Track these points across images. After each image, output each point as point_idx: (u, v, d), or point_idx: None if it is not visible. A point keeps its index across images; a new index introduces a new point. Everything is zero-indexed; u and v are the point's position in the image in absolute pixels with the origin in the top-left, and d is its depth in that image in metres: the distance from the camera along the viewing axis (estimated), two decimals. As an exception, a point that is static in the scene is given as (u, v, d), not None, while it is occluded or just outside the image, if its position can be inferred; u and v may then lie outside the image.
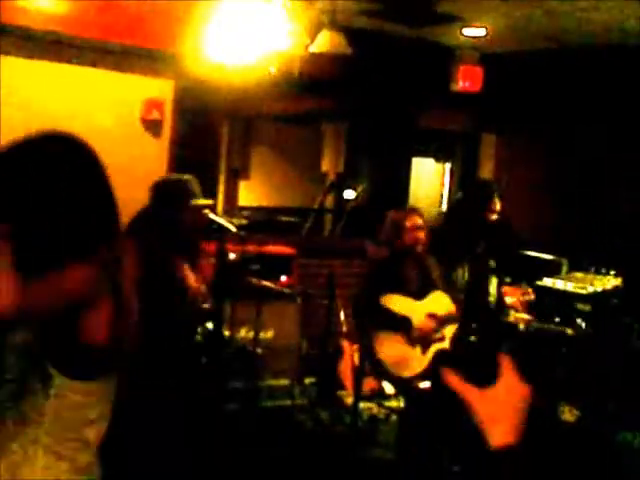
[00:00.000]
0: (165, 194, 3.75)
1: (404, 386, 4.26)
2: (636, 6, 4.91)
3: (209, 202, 3.90)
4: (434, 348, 4.20)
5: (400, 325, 4.16)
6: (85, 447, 1.74)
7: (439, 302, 4.27)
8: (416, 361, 4.19)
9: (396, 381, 4.28)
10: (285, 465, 4.36)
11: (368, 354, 4.21)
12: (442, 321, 4.23)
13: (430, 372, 4.18)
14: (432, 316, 4.21)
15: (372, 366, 4.27)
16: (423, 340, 4.19)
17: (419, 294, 4.27)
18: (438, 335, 4.21)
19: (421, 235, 4.31)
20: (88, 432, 1.74)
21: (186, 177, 3.81)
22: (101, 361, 1.72)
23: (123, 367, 1.82)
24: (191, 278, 3.76)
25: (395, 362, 4.17)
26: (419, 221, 4.33)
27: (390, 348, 4.19)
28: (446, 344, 4.20)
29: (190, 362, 4.09)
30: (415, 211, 4.48)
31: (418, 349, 4.20)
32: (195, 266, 3.83)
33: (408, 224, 4.32)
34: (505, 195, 5.42)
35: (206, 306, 3.92)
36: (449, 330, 4.23)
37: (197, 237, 3.94)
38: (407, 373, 4.19)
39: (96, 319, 1.68)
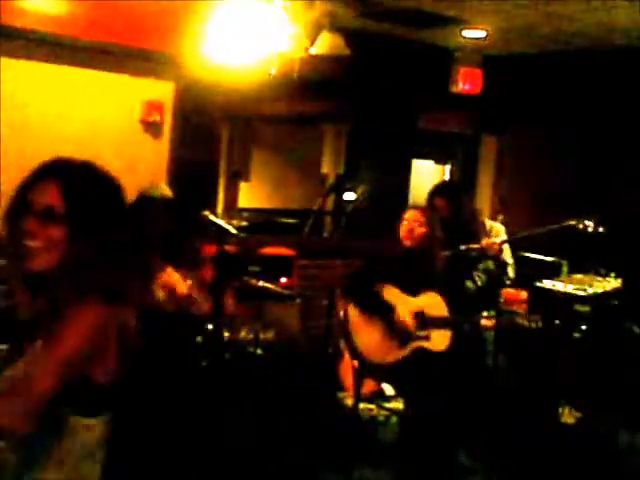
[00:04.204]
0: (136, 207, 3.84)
1: (371, 368, 4.28)
2: (637, 7, 4.92)
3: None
4: (415, 344, 4.19)
5: (381, 310, 4.17)
6: None
7: (432, 302, 4.26)
8: (391, 351, 4.19)
9: (365, 363, 4.27)
10: (285, 467, 4.36)
11: (344, 333, 4.23)
12: (428, 321, 4.21)
13: (403, 366, 4.18)
14: (419, 314, 4.20)
15: (346, 345, 4.30)
16: (404, 334, 4.19)
17: (413, 290, 4.27)
18: (423, 333, 4.19)
19: (409, 230, 4.34)
20: (90, 468, 1.74)
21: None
22: (111, 397, 1.73)
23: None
24: (181, 285, 3.76)
25: (368, 346, 4.19)
26: (413, 216, 4.36)
27: (368, 332, 4.21)
28: (429, 344, 4.18)
29: (190, 364, 4.09)
30: (417, 207, 4.57)
31: (396, 341, 4.20)
32: (191, 272, 3.82)
33: (404, 217, 4.40)
34: (505, 204, 5.49)
35: (199, 311, 3.88)
36: (437, 332, 4.21)
37: (191, 243, 3.94)
38: (378, 359, 4.20)
39: (106, 359, 1.67)
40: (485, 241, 4.71)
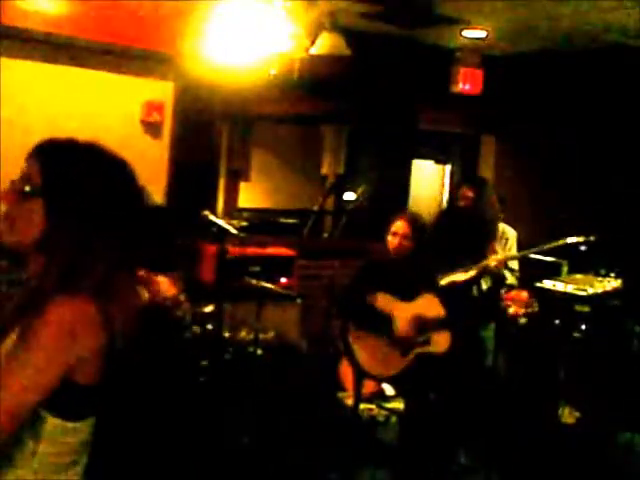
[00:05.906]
0: None
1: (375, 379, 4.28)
2: (637, 7, 4.91)
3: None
4: (416, 351, 4.17)
5: (380, 323, 4.16)
6: None
7: (429, 305, 4.24)
8: (393, 362, 4.17)
9: (368, 375, 4.26)
10: (285, 467, 4.36)
11: (347, 352, 4.22)
12: (428, 324, 4.19)
13: (408, 374, 4.16)
14: (418, 318, 4.18)
15: (350, 362, 4.29)
16: (404, 342, 4.17)
17: (407, 296, 4.25)
18: (422, 338, 4.17)
19: (395, 241, 4.33)
20: (71, 473, 1.63)
21: None
22: (93, 400, 1.62)
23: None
24: (164, 287, 3.74)
25: (369, 360, 4.18)
26: (399, 227, 4.35)
27: (368, 346, 4.19)
28: (430, 348, 4.16)
29: (190, 364, 4.09)
30: (403, 216, 4.51)
31: (398, 350, 4.19)
32: (173, 273, 3.80)
33: (391, 229, 4.39)
34: (505, 204, 5.51)
35: (180, 313, 3.85)
36: (436, 334, 4.18)
37: (169, 243, 3.92)
38: (380, 372, 4.19)
39: (91, 360, 1.55)
40: (492, 259, 4.68)
